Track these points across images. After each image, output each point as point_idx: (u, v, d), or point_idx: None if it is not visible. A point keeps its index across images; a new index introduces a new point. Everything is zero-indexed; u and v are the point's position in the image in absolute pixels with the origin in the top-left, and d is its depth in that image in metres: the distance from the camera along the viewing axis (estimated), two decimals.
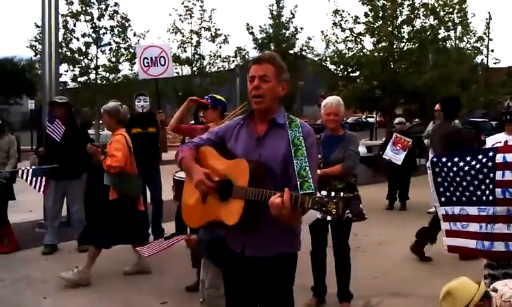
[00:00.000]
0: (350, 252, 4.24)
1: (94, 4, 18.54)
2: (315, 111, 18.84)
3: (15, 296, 4.60)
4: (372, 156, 12.56)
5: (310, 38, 22.77)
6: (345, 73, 17.43)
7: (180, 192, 2.67)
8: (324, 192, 1.90)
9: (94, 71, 18.89)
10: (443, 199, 3.62)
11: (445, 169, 3.54)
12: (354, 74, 17.49)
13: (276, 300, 2.35)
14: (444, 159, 3.59)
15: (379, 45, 16.62)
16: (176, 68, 20.83)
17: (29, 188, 5.62)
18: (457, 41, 21.13)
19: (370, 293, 4.55)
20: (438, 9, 16.53)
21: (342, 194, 4.01)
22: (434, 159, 3.68)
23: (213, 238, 2.98)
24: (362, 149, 12.65)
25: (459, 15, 19.34)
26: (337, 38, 17.09)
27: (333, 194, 1.88)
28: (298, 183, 2.07)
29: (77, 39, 18.51)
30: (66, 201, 6.28)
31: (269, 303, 2.36)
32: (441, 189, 3.60)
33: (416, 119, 20.18)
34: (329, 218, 1.89)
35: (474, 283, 2.67)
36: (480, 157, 3.35)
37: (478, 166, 3.32)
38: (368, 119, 35.11)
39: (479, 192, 3.35)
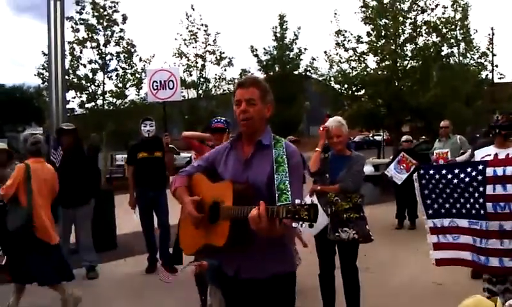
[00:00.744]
0: (359, 274, 4.20)
1: (100, 30, 18.82)
2: None
3: None
4: (379, 175, 12.45)
5: (314, 59, 22.94)
6: (350, 92, 17.47)
7: None
8: (298, 201, 1.91)
9: (101, 97, 19.09)
10: (430, 211, 3.59)
11: (433, 181, 3.52)
12: (359, 93, 17.53)
13: None
14: (432, 171, 3.57)
15: (383, 64, 16.68)
16: (182, 92, 20.97)
17: None
18: (460, 58, 21.14)
19: None
20: (440, 27, 16.58)
21: (349, 214, 4.04)
22: (421, 171, 3.66)
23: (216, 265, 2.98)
24: (369, 168, 12.54)
25: (461, 31, 19.43)
26: (341, 57, 17.18)
27: (308, 201, 1.91)
28: (276, 195, 2.09)
29: (84, 66, 18.76)
30: (75, 228, 6.27)
31: None
32: (429, 201, 3.58)
33: (423, 137, 20.12)
34: (304, 225, 1.90)
35: (490, 302, 2.61)
36: (469, 170, 3.33)
37: (467, 179, 3.30)
38: (375, 137, 35.05)
39: (468, 205, 3.32)
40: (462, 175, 3.34)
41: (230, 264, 2.38)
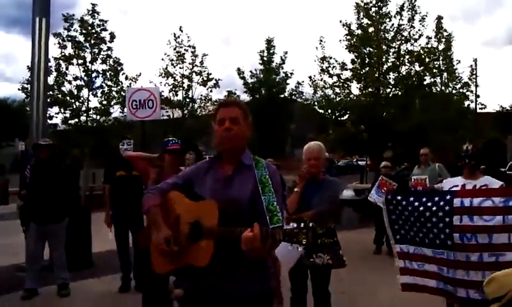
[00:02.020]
0: (335, 298, 4.19)
1: (87, 48, 18.79)
2: None
3: None
4: (360, 199, 12.49)
5: (299, 83, 23.15)
6: (333, 117, 17.68)
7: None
8: (294, 224, 1.94)
9: (85, 114, 18.97)
10: (397, 236, 3.63)
11: (400, 208, 3.56)
12: (343, 118, 17.73)
13: None
14: (399, 197, 3.61)
15: (366, 91, 16.95)
16: (167, 112, 20.98)
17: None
18: (443, 87, 21.50)
19: None
20: (423, 56, 16.95)
21: (323, 239, 4.04)
22: (389, 197, 3.69)
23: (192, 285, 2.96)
24: (350, 193, 12.62)
25: (444, 61, 19.85)
26: (325, 83, 17.41)
27: (302, 224, 1.94)
28: (268, 217, 2.12)
29: (69, 82, 18.65)
30: (48, 244, 6.17)
31: None
32: (396, 227, 3.62)
33: (406, 163, 20.27)
34: (300, 249, 1.92)
35: None
36: (436, 199, 3.36)
37: (434, 208, 3.33)
38: (359, 162, 35.25)
39: (431, 235, 3.34)
40: (429, 204, 3.37)
41: (208, 283, 2.35)
